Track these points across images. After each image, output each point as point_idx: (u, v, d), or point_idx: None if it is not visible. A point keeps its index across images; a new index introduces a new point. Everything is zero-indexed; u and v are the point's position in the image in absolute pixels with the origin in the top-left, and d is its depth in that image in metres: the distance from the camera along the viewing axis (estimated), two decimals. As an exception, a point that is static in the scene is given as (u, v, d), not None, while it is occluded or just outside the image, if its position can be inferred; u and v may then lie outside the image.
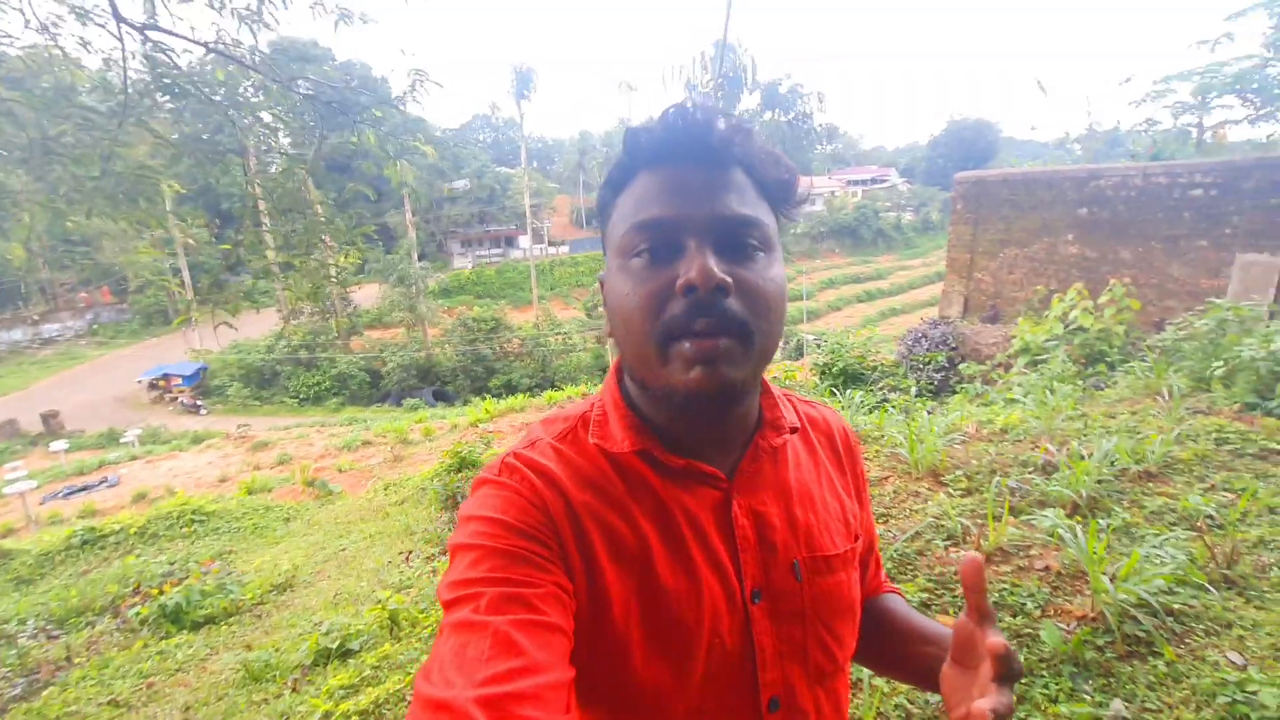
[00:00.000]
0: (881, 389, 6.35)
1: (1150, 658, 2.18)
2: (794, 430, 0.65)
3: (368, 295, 29.59)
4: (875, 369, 7.05)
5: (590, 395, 0.67)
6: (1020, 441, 3.89)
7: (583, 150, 44.10)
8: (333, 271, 4.15)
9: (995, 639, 0.49)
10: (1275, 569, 2.62)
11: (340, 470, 9.54)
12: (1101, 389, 5.01)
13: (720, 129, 0.53)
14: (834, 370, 6.93)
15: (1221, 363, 4.21)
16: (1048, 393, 4.44)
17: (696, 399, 0.52)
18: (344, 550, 5.58)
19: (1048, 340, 6.06)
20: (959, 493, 3.32)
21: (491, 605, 0.47)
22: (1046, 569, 2.65)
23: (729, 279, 0.50)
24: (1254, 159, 5.73)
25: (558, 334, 28.88)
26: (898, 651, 0.72)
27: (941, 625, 0.69)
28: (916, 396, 6.04)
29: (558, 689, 0.44)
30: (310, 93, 3.37)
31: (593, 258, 36.08)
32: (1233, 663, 2.22)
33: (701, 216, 0.52)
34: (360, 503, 7.19)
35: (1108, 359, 5.72)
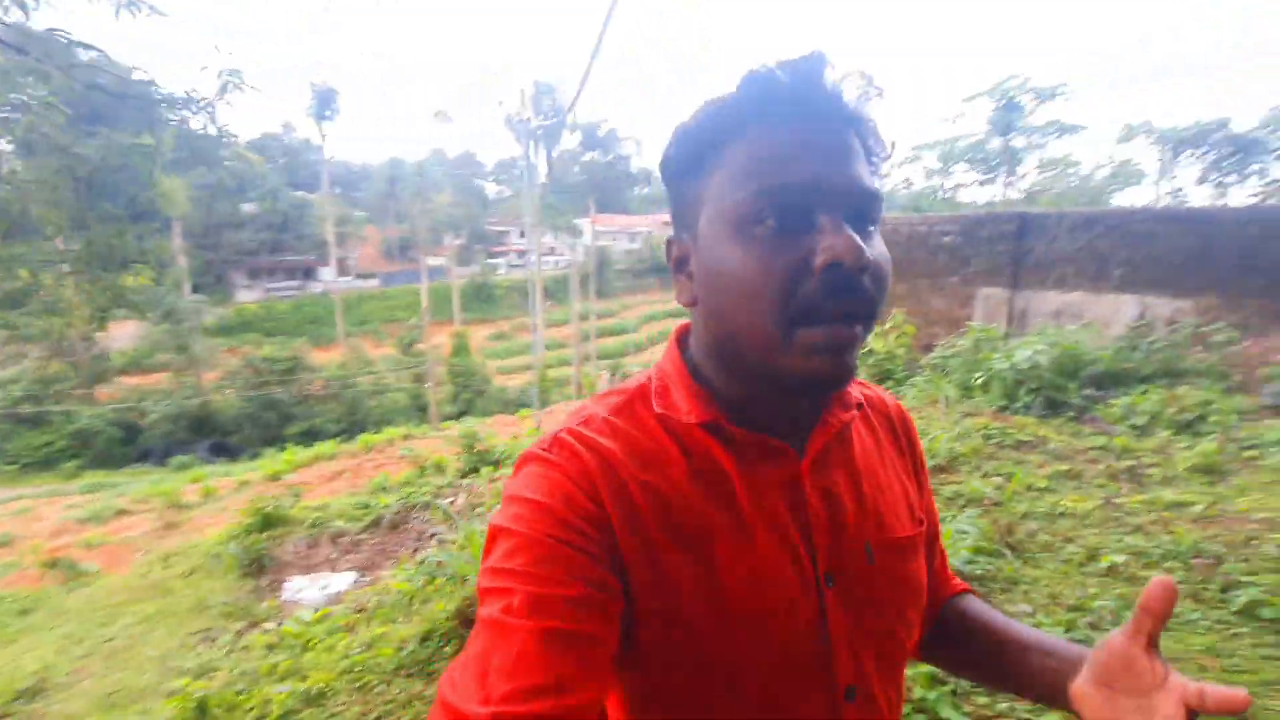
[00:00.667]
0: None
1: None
2: (859, 407, 0.62)
3: (123, 335, 24.67)
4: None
5: (644, 370, 0.61)
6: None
7: (393, 178, 41.83)
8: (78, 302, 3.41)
9: (1195, 686, 0.46)
10: (1040, 534, 3.30)
11: (90, 546, 7.70)
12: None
13: (851, 85, 0.49)
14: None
15: (980, 374, 5.24)
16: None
17: (818, 387, 0.50)
18: (112, 640, 4.49)
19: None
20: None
21: (523, 607, 0.45)
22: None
23: (873, 259, 0.47)
24: (984, 213, 7.33)
25: (369, 374, 26.59)
26: (999, 659, 0.66)
27: (1051, 635, 0.64)
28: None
29: (582, 711, 0.44)
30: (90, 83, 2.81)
31: (408, 290, 33.95)
32: (1025, 612, 2.75)
33: (839, 185, 0.47)
34: (129, 581, 5.87)
35: (895, 376, 6.80)
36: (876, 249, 0.50)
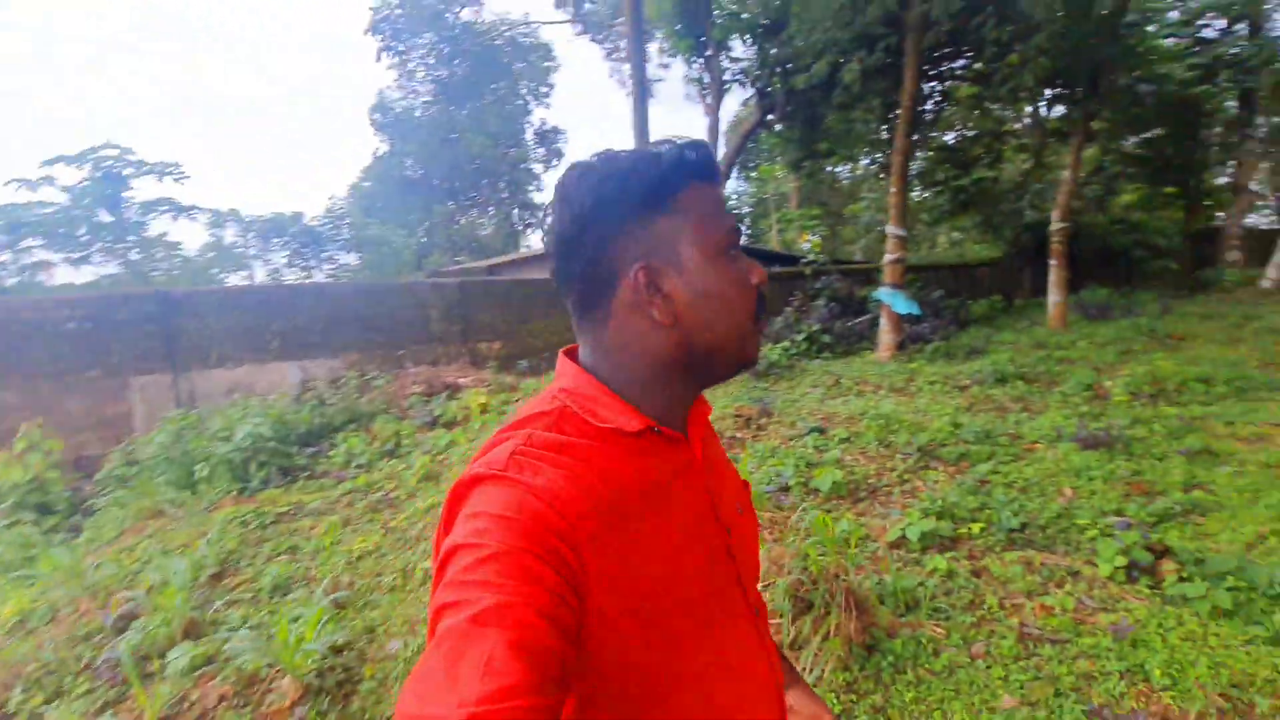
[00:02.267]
0: None
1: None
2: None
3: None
4: None
5: (539, 398, 0.67)
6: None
7: None
8: None
9: None
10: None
11: None
12: (78, 535, 4.45)
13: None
14: None
15: (203, 464, 4.63)
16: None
17: (752, 367, 0.69)
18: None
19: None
20: None
21: (491, 615, 0.45)
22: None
23: None
24: (117, 294, 6.29)
25: None
26: None
27: None
28: None
29: (553, 712, 0.45)
30: None
31: None
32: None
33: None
34: None
35: (57, 508, 5.02)
36: None
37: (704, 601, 0.62)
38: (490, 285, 9.53)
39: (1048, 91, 10.15)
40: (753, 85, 10.50)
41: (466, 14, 23.34)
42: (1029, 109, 13.19)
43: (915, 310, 7.69)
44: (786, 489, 3.81)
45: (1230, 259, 13.06)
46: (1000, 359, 6.79)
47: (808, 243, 13.84)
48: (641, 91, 6.04)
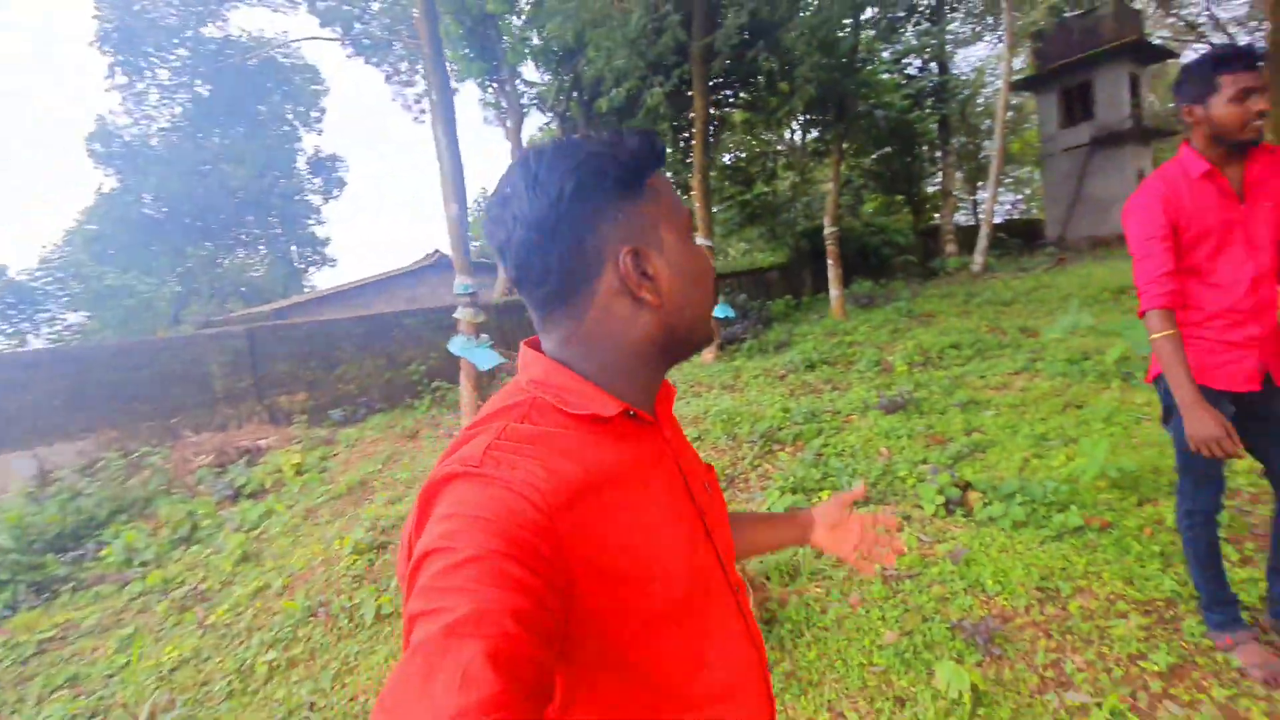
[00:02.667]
0: None
1: None
2: None
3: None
4: None
5: (506, 391, 0.66)
6: None
7: None
8: None
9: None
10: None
11: None
12: None
13: None
14: None
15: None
16: None
17: (708, 344, 0.76)
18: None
19: None
20: None
21: (468, 623, 0.43)
22: None
23: None
24: None
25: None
26: (750, 545, 0.96)
27: (768, 514, 1.02)
28: None
29: None
30: None
31: None
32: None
33: None
34: None
35: None
36: None
37: (688, 583, 0.62)
38: (286, 330, 8.47)
39: (805, 117, 11.82)
40: (551, 110, 10.73)
41: (210, 30, 20.62)
42: (789, 134, 15.28)
43: (731, 314, 8.42)
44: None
45: (949, 250, 16.27)
46: (805, 349, 7.70)
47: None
48: (448, 117, 5.85)
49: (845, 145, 11.76)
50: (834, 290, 10.45)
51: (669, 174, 14.69)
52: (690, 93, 8.00)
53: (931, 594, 2.48)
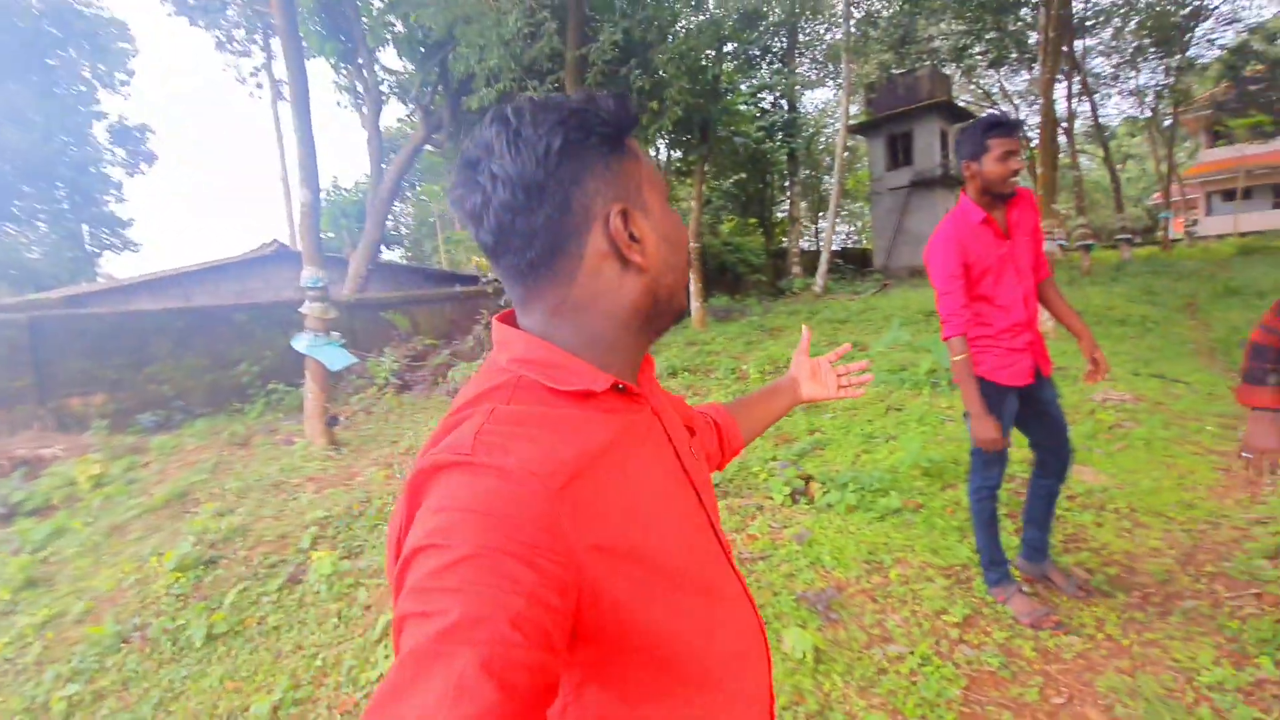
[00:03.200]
0: None
1: None
2: None
3: None
4: None
5: (485, 370, 0.62)
6: None
7: None
8: None
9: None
10: None
11: None
12: None
13: None
14: None
15: None
16: None
17: (684, 317, 0.71)
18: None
19: None
20: None
21: (455, 631, 0.41)
22: None
23: None
24: None
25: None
26: (758, 423, 1.10)
27: (759, 389, 1.13)
28: None
29: None
30: None
31: None
32: None
33: None
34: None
35: None
36: None
37: (691, 549, 0.62)
38: (82, 322, 7.29)
39: (670, 136, 12.43)
40: (414, 101, 10.30)
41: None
42: (653, 151, 15.97)
43: (596, 320, 8.59)
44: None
45: (794, 272, 17.86)
46: (669, 356, 8.08)
47: (477, 264, 14.10)
48: (302, 94, 5.44)
49: (707, 167, 12.53)
50: (695, 303, 11.06)
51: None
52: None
53: (780, 572, 2.77)
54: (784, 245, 20.11)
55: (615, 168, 0.60)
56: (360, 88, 10.67)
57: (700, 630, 0.60)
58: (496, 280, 11.56)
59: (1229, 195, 26.83)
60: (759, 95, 15.94)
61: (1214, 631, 2.28)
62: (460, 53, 7.86)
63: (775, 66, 15.39)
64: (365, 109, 10.80)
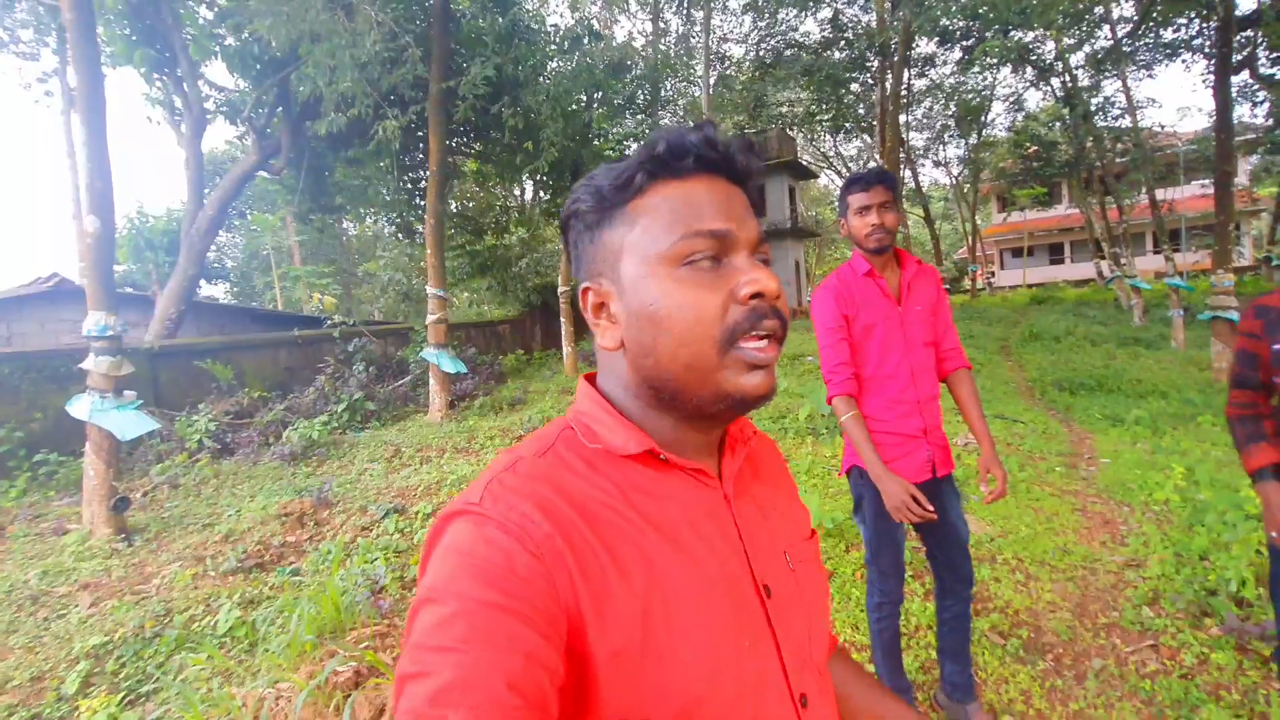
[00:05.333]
0: None
1: None
2: (754, 433, 0.68)
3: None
4: None
5: (558, 419, 0.62)
6: None
7: None
8: None
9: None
10: None
11: None
12: None
13: (746, 151, 0.58)
14: None
15: None
16: None
17: (754, 402, 0.54)
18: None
19: None
20: None
21: (448, 694, 0.40)
22: None
23: (781, 290, 0.56)
24: None
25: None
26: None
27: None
28: None
29: None
30: None
31: None
32: None
33: (751, 233, 0.56)
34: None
35: None
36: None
37: (722, 679, 0.52)
38: None
39: (540, 178, 12.21)
40: (246, 123, 9.15)
41: None
42: (518, 191, 15.66)
43: (462, 369, 7.93)
44: (380, 590, 3.29)
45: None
46: (544, 407, 7.62)
47: (319, 303, 12.75)
48: (95, 107, 4.48)
49: (576, 210, 12.42)
50: (567, 346, 10.71)
51: (392, 215, 13.81)
52: (423, 133, 7.59)
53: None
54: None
55: (598, 240, 0.58)
56: (179, 103, 9.28)
57: None
58: (345, 322, 10.49)
59: (1017, 252, 31.86)
60: (624, 142, 16.37)
61: (1129, 694, 2.28)
62: (306, 73, 7.07)
63: (640, 117, 15.88)
64: (184, 127, 9.39)
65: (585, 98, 9.61)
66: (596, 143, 11.37)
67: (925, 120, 21.64)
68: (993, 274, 30.26)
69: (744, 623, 0.55)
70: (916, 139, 22.35)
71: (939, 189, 30.07)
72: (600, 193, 0.57)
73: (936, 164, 24.59)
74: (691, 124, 0.58)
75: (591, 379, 0.64)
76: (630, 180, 0.55)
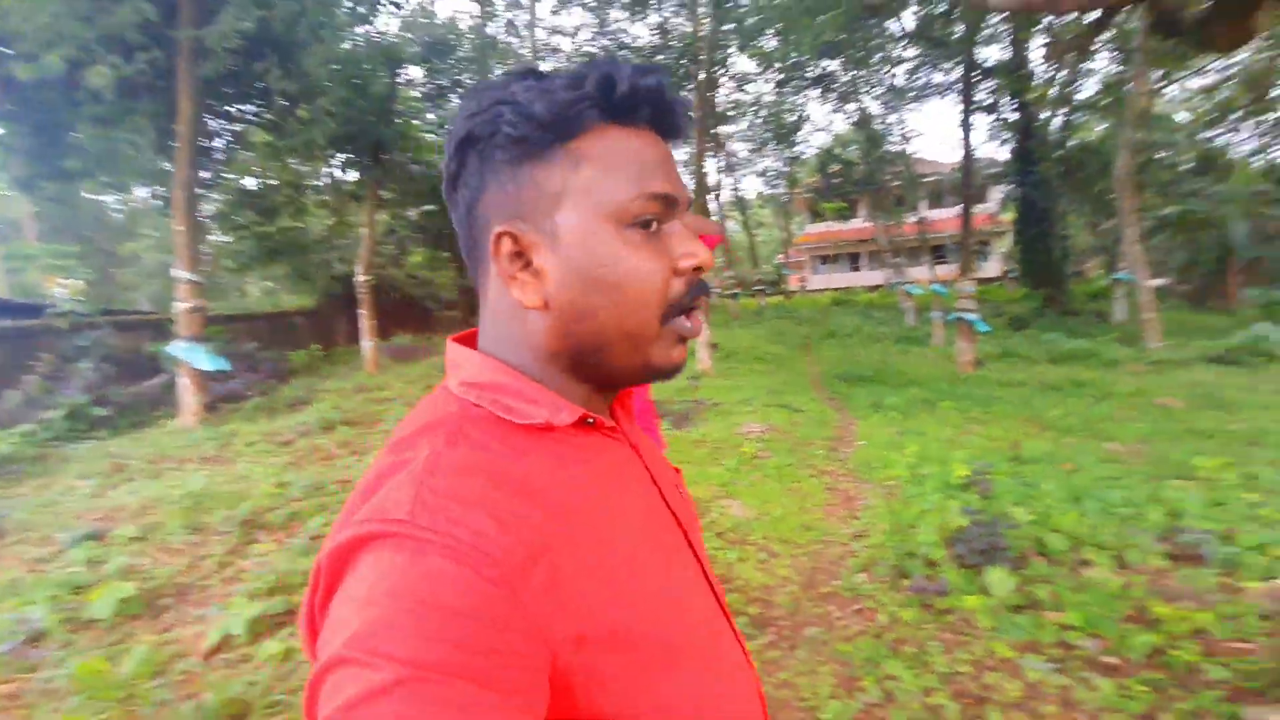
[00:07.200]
0: None
1: None
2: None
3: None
4: None
5: (431, 401, 0.52)
6: None
7: None
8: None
9: None
10: None
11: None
12: None
13: (687, 114, 0.54)
14: None
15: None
16: None
17: (672, 374, 0.54)
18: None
19: None
20: None
21: None
22: None
23: None
24: None
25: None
26: None
27: None
28: None
29: None
30: None
31: None
32: None
33: (684, 196, 0.53)
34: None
35: None
36: None
37: (684, 619, 0.51)
38: None
39: (340, 156, 11.15)
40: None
41: None
42: (325, 169, 14.26)
43: (224, 366, 6.92)
44: (38, 638, 2.68)
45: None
46: (325, 407, 6.90)
47: (62, 288, 10.64)
48: None
49: (383, 192, 11.56)
50: (366, 341, 9.90)
51: (156, 187, 11.77)
52: (171, 88, 6.50)
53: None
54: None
55: (523, 177, 0.49)
56: None
57: (698, 709, 0.49)
58: (76, 311, 8.72)
59: (825, 259, 35.45)
60: (447, 127, 15.59)
61: (831, 659, 2.47)
62: (4, 6, 5.71)
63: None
64: None
65: (386, 73, 8.89)
66: (400, 122, 10.61)
67: (747, 134, 23.21)
68: (804, 278, 33.38)
69: (680, 558, 0.56)
70: (741, 149, 23.91)
71: (760, 198, 32.58)
72: (536, 119, 0.47)
73: (758, 174, 26.54)
74: (641, 66, 0.49)
75: (467, 342, 0.55)
76: (577, 115, 0.48)
